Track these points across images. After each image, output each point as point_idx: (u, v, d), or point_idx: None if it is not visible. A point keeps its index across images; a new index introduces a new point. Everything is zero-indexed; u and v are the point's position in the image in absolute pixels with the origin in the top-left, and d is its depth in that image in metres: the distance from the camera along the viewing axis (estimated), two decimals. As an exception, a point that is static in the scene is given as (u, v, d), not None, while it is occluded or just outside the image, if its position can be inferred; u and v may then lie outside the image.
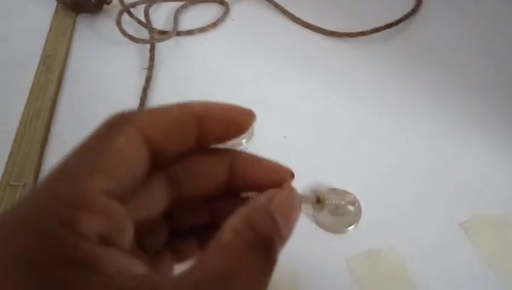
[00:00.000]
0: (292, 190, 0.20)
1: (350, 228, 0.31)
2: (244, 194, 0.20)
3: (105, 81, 0.43)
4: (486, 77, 0.43)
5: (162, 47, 0.46)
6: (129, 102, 0.41)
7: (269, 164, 0.21)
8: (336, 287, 0.29)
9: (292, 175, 0.21)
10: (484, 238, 0.31)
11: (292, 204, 0.19)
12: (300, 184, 0.34)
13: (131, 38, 0.45)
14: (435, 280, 0.29)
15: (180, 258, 0.21)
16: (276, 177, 0.20)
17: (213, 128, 0.20)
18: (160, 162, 0.19)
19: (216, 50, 0.47)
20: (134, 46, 0.46)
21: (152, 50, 0.45)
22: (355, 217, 0.32)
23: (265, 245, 0.17)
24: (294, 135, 0.38)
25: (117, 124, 0.17)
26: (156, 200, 0.19)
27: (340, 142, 0.38)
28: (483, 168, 0.35)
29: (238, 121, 0.20)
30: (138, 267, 0.15)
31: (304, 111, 0.41)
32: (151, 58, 0.44)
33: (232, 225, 0.17)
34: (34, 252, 0.14)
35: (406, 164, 0.36)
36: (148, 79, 0.42)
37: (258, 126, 0.38)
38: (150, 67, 0.43)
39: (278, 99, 0.42)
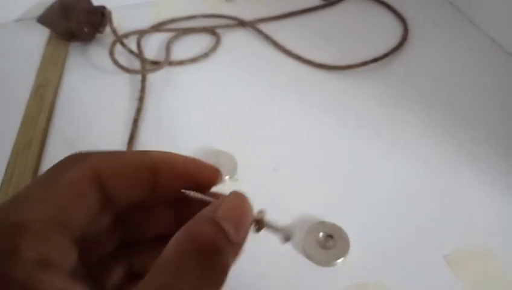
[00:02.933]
0: (240, 195, 0.20)
1: (338, 261, 0.32)
2: (187, 193, 0.20)
3: (97, 111, 0.44)
4: (471, 109, 0.45)
5: (153, 77, 0.47)
6: (120, 132, 0.41)
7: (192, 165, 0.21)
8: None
9: (218, 172, 0.21)
10: (467, 270, 0.32)
11: (241, 208, 0.19)
12: (292, 216, 0.35)
13: (124, 68, 0.46)
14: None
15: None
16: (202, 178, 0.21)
17: (170, 179, 0.20)
18: (114, 202, 0.19)
19: (207, 81, 0.48)
20: (126, 76, 0.47)
21: (143, 81, 0.45)
22: (343, 250, 0.32)
23: (207, 253, 0.16)
24: (285, 167, 0.39)
25: (70, 162, 0.18)
26: (105, 232, 0.20)
27: (331, 174, 0.39)
28: (467, 201, 0.36)
29: (201, 177, 0.21)
30: (79, 288, 0.16)
31: (294, 143, 0.41)
32: (142, 89, 0.44)
33: (173, 239, 0.17)
34: None
35: (393, 197, 0.37)
36: (139, 110, 0.42)
37: (247, 158, 0.39)
38: (141, 98, 0.44)
39: (268, 130, 0.42)
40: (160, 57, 0.49)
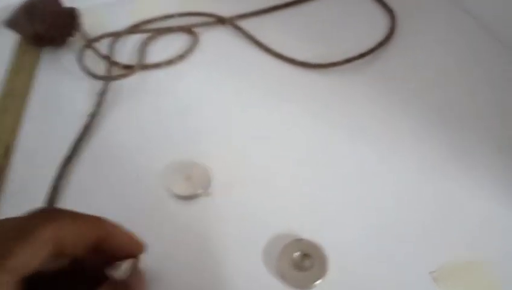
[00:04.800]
0: (139, 281, 0.25)
1: (317, 282, 0.30)
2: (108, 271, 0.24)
3: (67, 120, 0.41)
4: (464, 105, 0.42)
5: (126, 82, 0.45)
6: (90, 144, 0.39)
7: (126, 238, 0.25)
8: None
9: (143, 248, 0.26)
10: (453, 285, 0.30)
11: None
12: (267, 233, 0.32)
13: (93, 75, 0.43)
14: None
15: None
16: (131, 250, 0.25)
17: (110, 247, 0.24)
18: (61, 256, 0.23)
19: (183, 84, 0.45)
20: (98, 82, 0.44)
21: (102, 94, 0.42)
22: (321, 271, 0.30)
23: None
24: (263, 179, 0.37)
25: (41, 220, 0.22)
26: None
27: (310, 186, 0.36)
28: (452, 214, 0.34)
29: (130, 248, 0.25)
30: None
31: (274, 150, 0.39)
32: (99, 104, 0.42)
33: None
34: None
35: (374, 210, 0.34)
36: (87, 127, 0.40)
37: (223, 170, 0.37)
38: (94, 114, 0.41)
39: (247, 137, 0.40)
40: (135, 60, 0.47)
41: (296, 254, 0.31)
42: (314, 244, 0.31)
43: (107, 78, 0.44)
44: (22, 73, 0.46)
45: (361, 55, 0.47)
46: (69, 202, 0.36)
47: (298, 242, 0.31)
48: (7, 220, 0.22)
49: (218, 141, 0.40)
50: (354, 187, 0.36)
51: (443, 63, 0.47)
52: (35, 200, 0.35)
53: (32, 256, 0.21)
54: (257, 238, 0.32)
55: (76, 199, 0.36)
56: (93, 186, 0.37)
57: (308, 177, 0.37)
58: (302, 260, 0.31)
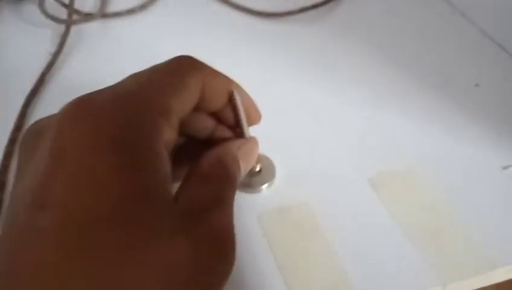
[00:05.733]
0: (255, 143, 0.26)
1: (263, 186, 0.31)
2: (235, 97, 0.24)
3: (29, 60, 0.42)
4: (411, 53, 0.45)
5: (86, 29, 0.46)
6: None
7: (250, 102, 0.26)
8: (248, 241, 0.29)
9: (260, 118, 0.27)
10: (389, 193, 0.32)
11: (252, 155, 0.26)
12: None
13: (53, 18, 0.44)
14: (343, 229, 0.30)
15: None
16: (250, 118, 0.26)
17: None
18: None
19: (143, 33, 0.47)
20: (59, 28, 0.45)
21: (65, 35, 0.44)
22: (268, 177, 0.32)
23: (231, 180, 0.22)
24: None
25: (189, 67, 0.23)
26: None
27: (271, 112, 0.38)
28: (391, 127, 0.37)
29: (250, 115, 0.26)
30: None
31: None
32: (61, 44, 0.43)
33: (209, 159, 0.22)
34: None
35: (319, 122, 0.37)
36: (50, 65, 0.41)
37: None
38: (56, 53, 0.42)
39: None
40: (96, 9, 0.48)
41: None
42: (265, 156, 0.33)
43: (68, 22, 0.45)
44: (-17, 21, 0.47)
45: (315, 6, 0.49)
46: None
47: (249, 154, 0.33)
48: (156, 66, 0.23)
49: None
50: (301, 114, 0.38)
51: (394, 14, 0.50)
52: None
53: (187, 101, 0.21)
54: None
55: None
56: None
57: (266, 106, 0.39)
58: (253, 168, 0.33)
